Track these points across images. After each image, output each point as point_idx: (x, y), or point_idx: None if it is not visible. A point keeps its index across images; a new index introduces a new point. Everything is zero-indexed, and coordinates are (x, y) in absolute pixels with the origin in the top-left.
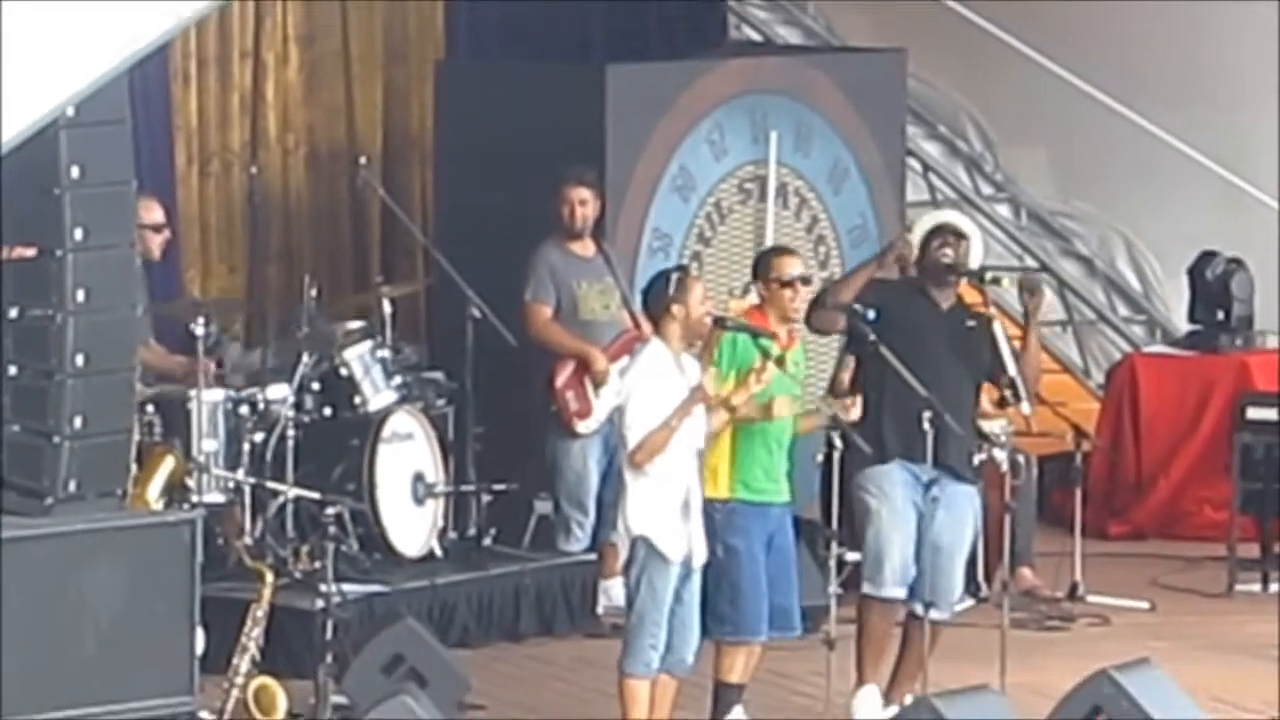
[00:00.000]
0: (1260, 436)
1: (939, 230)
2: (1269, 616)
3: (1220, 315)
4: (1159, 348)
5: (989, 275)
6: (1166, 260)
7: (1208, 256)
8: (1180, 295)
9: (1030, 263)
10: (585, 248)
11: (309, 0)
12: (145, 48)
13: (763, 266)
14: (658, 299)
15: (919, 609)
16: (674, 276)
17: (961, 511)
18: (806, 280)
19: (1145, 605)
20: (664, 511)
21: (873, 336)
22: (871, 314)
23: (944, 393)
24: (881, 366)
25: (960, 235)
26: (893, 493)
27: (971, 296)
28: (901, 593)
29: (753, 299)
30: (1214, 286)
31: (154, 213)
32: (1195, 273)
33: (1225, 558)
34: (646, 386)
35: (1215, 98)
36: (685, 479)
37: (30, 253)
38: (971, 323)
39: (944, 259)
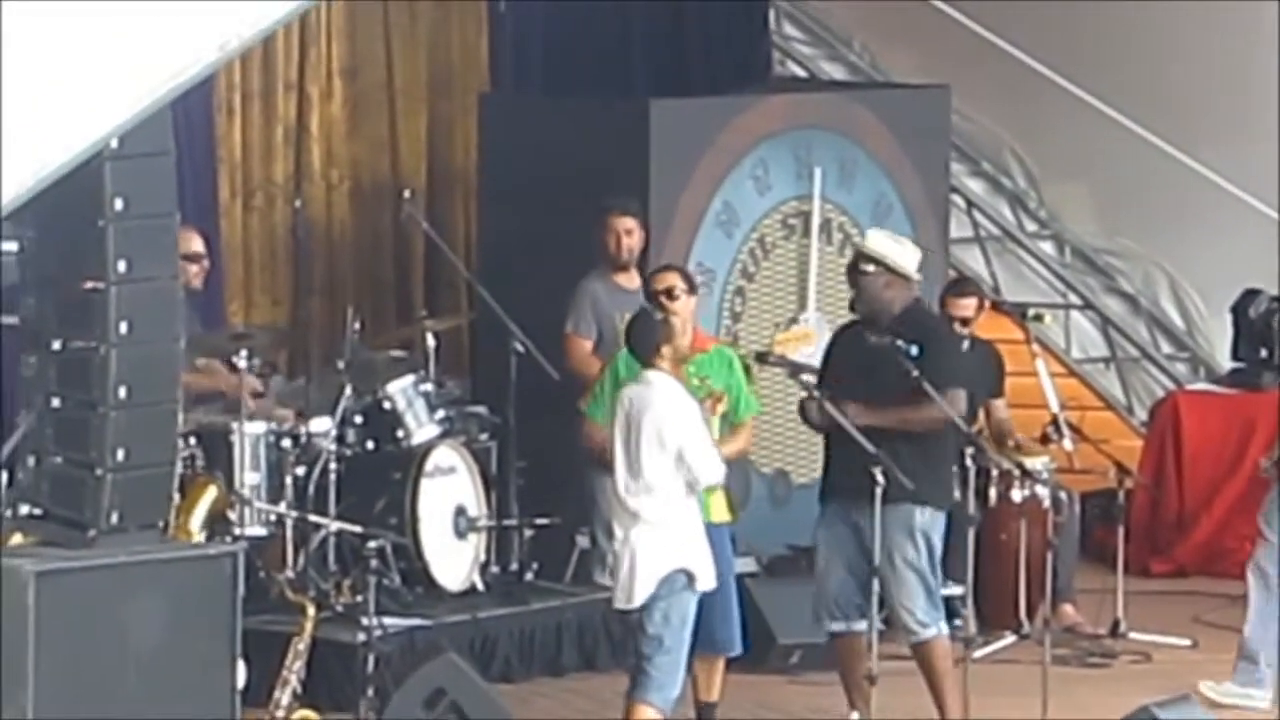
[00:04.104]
0: None
1: (849, 269)
2: None
3: (1263, 353)
4: (1202, 385)
5: (1031, 312)
6: (1210, 298)
7: (1251, 294)
8: (1224, 333)
9: (1074, 299)
10: (630, 280)
11: (353, 33)
12: (189, 80)
13: (647, 283)
14: (647, 343)
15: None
16: (657, 319)
17: (884, 533)
18: (691, 289)
19: (1187, 642)
20: (698, 541)
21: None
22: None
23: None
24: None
25: (860, 270)
26: (819, 531)
27: (1000, 329)
28: (838, 626)
29: (798, 328)
30: (1257, 324)
31: (191, 243)
32: (1238, 310)
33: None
34: (700, 424)
35: (1260, 135)
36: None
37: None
38: (873, 339)
39: (853, 296)
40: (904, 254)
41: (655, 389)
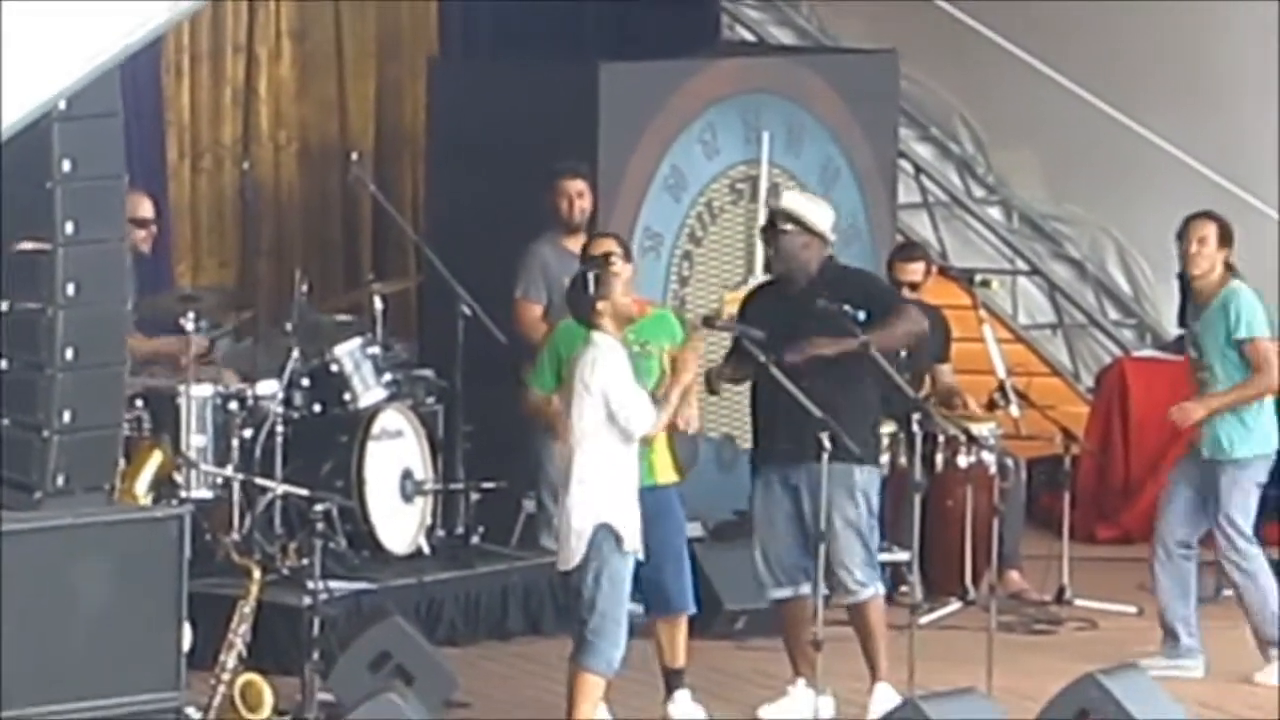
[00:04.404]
0: None
1: (762, 231)
2: None
3: None
4: (1149, 351)
5: (978, 278)
6: (1157, 264)
7: None
8: (1170, 299)
9: (1021, 265)
10: (579, 244)
11: None
12: (138, 41)
13: (583, 251)
14: (582, 301)
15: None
16: (591, 275)
17: (828, 492)
18: (627, 256)
19: (1133, 609)
20: (625, 501)
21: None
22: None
23: (796, 381)
24: (755, 378)
25: (778, 230)
26: (756, 498)
27: (947, 295)
28: (783, 592)
29: (748, 290)
30: None
31: (141, 208)
32: (1185, 277)
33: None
34: (627, 372)
35: (1207, 100)
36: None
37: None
38: (821, 302)
39: (768, 255)
40: (820, 213)
41: (597, 348)
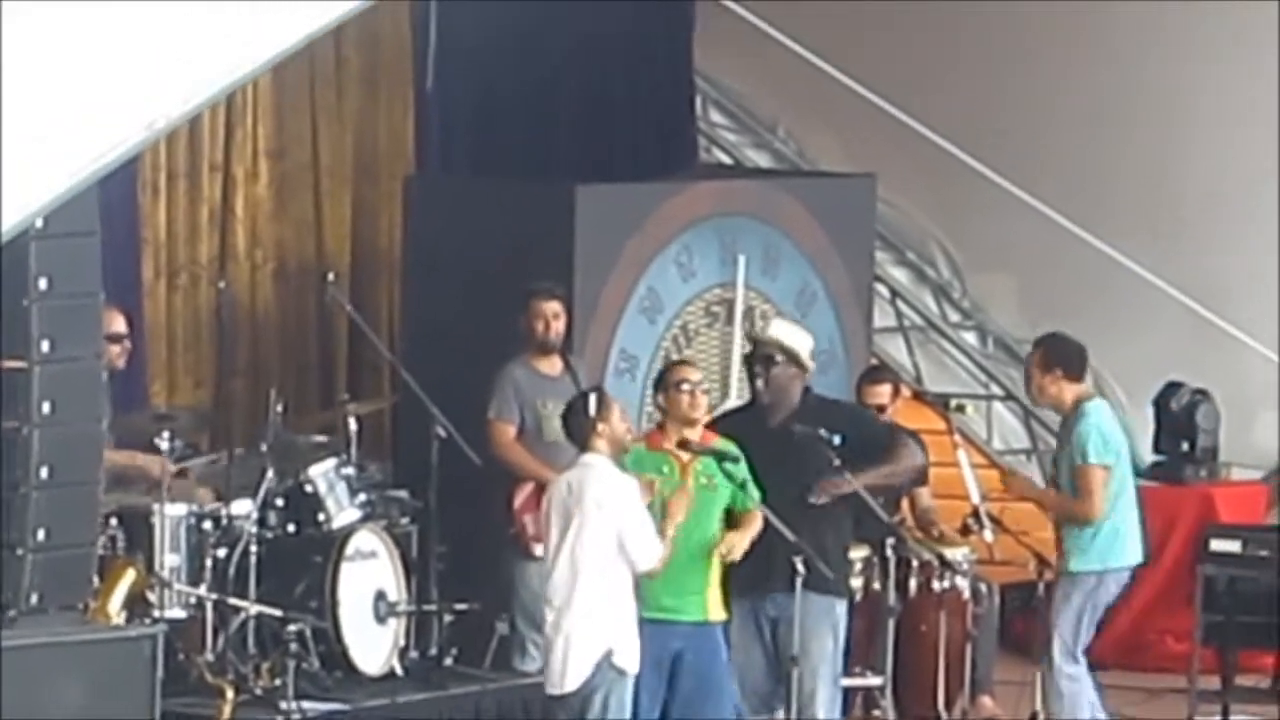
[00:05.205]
0: (1223, 568)
1: (748, 358)
2: None
3: (1185, 446)
4: None
5: (953, 403)
6: (1132, 390)
7: (1173, 387)
8: (1145, 425)
9: (996, 390)
10: (553, 365)
11: (279, 114)
12: (116, 160)
13: (663, 376)
14: (581, 421)
15: None
16: (593, 397)
17: (808, 623)
18: (704, 391)
19: None
20: (628, 627)
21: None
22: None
23: (775, 509)
24: None
25: (771, 360)
26: (733, 629)
27: (922, 419)
28: None
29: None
30: (1179, 417)
31: (114, 323)
32: (1160, 403)
33: (1186, 690)
34: (637, 500)
35: (1183, 228)
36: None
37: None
38: (797, 427)
39: (757, 386)
40: (806, 344)
41: (594, 471)
